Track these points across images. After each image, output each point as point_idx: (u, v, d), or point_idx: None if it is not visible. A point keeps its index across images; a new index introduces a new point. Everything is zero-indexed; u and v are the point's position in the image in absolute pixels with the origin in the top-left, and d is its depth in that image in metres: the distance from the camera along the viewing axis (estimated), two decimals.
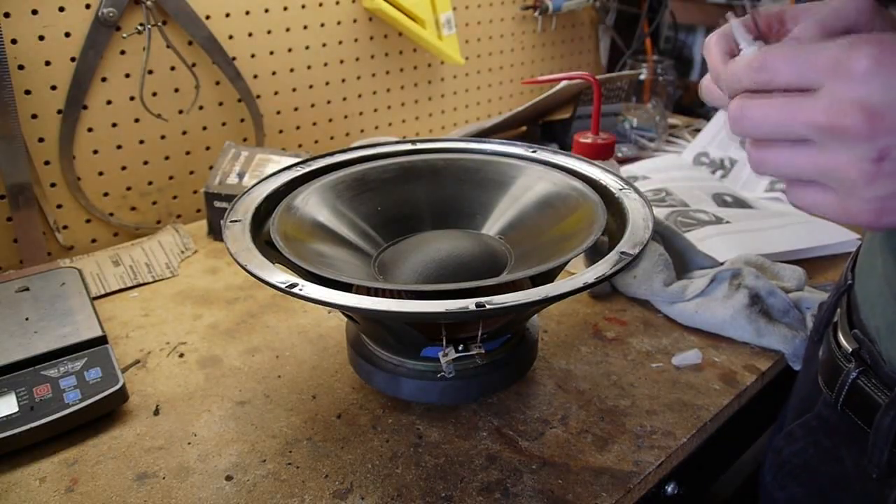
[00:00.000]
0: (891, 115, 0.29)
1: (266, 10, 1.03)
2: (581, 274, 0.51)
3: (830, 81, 0.30)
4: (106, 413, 0.61)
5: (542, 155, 0.71)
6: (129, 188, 0.98)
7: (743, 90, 0.34)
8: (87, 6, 0.87)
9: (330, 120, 1.17)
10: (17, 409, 0.58)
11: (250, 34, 1.03)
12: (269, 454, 0.58)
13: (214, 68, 1.00)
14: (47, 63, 0.86)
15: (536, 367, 0.68)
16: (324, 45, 1.12)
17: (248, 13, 1.01)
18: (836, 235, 0.89)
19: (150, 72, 0.94)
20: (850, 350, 0.50)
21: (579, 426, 0.61)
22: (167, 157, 1.00)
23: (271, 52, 1.06)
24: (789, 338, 0.70)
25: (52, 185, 0.91)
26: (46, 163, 0.90)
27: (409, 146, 0.74)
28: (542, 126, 1.18)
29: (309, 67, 1.11)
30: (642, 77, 1.42)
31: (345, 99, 1.18)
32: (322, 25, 1.10)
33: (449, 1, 1.18)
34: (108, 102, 0.93)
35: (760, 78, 0.33)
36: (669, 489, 0.63)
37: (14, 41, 0.83)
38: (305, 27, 1.09)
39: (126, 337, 0.74)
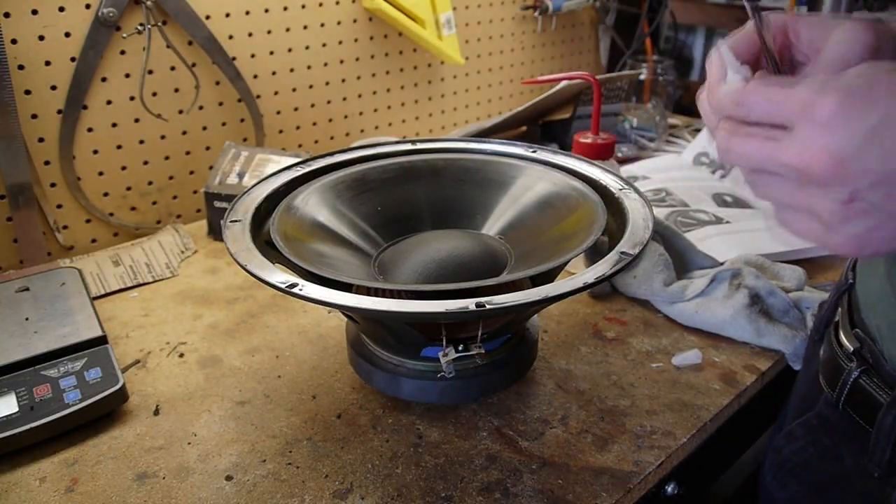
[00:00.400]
0: (857, 160, 0.30)
1: (266, 10, 1.03)
2: (581, 274, 0.51)
3: (800, 124, 0.31)
4: (106, 413, 0.61)
5: (542, 155, 0.71)
6: (129, 188, 0.98)
7: (725, 116, 0.35)
8: (87, 6, 0.87)
9: (330, 120, 1.17)
10: (17, 409, 0.58)
11: (250, 34, 1.03)
12: (269, 454, 0.58)
13: (214, 68, 1.00)
14: (47, 63, 0.86)
15: (536, 367, 0.68)
16: (324, 45, 1.12)
17: (248, 13, 1.01)
18: None
19: (150, 72, 0.94)
20: (852, 349, 0.50)
21: (579, 426, 0.61)
22: (167, 157, 1.00)
23: (271, 52, 1.06)
24: (789, 337, 0.70)
25: (52, 185, 0.91)
26: (46, 163, 0.90)
27: (409, 146, 0.74)
28: (542, 126, 1.18)
29: (309, 67, 1.11)
30: (642, 77, 1.42)
31: (345, 99, 1.18)
32: (322, 25, 1.10)
33: (449, 1, 1.18)
34: (108, 102, 0.93)
35: (739, 112, 0.34)
36: (669, 489, 0.63)
37: (14, 41, 0.83)
38: (305, 27, 1.09)
39: (126, 337, 0.74)
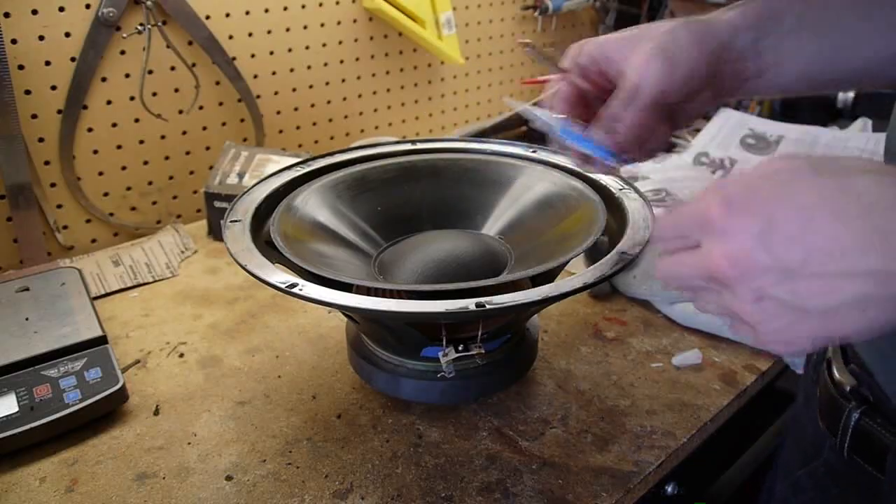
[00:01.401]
0: (751, 260, 0.32)
1: (266, 10, 1.03)
2: (581, 274, 0.51)
3: (702, 238, 0.34)
4: (106, 413, 0.61)
5: (542, 155, 0.71)
6: (129, 188, 0.98)
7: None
8: (87, 6, 0.87)
9: (330, 120, 1.17)
10: (17, 409, 0.58)
11: (250, 34, 1.03)
12: (269, 454, 0.58)
13: (214, 68, 1.00)
14: (47, 63, 0.86)
15: (536, 367, 0.68)
16: (324, 45, 1.12)
17: (248, 13, 1.01)
18: None
19: (150, 72, 0.94)
20: (849, 388, 0.46)
21: (579, 426, 0.61)
22: (167, 157, 1.00)
23: (271, 52, 1.06)
24: None
25: (52, 185, 0.91)
26: (46, 163, 0.90)
27: (409, 146, 0.74)
28: None
29: (309, 67, 1.11)
30: None
31: (345, 99, 1.18)
32: (322, 25, 1.10)
33: (449, 1, 1.18)
34: (108, 102, 0.93)
35: (661, 243, 0.38)
36: (669, 489, 0.63)
37: (14, 41, 0.83)
38: (305, 27, 1.08)
39: (126, 337, 0.74)
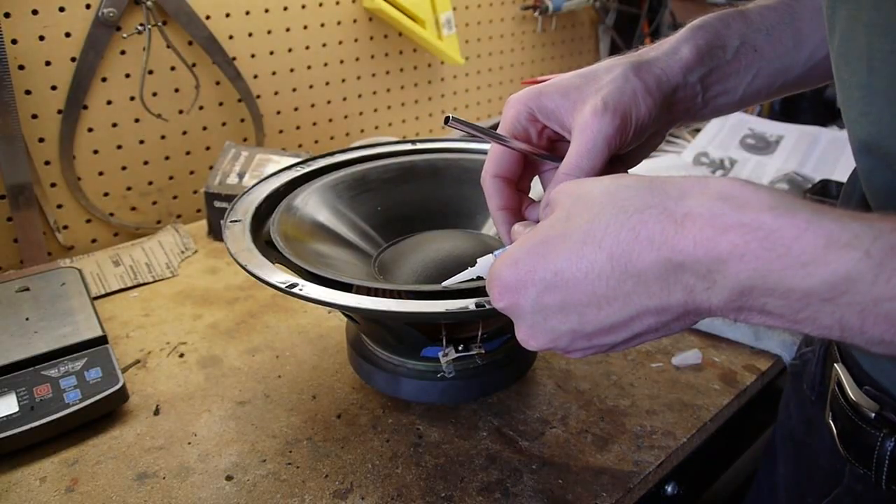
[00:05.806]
0: (537, 339, 0.38)
1: (266, 10, 1.03)
2: None
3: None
4: (106, 413, 0.61)
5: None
6: (129, 188, 0.98)
7: None
8: (88, 6, 0.87)
9: (330, 120, 1.17)
10: (17, 409, 0.58)
11: (250, 34, 1.03)
12: (269, 454, 0.58)
13: (214, 68, 1.00)
14: (47, 63, 0.86)
15: (536, 367, 0.68)
16: (324, 45, 1.12)
17: (248, 13, 1.01)
18: None
19: (150, 72, 0.95)
20: (873, 415, 0.42)
21: (579, 426, 0.61)
22: (167, 157, 1.00)
23: (271, 52, 1.06)
24: (788, 343, 0.69)
25: (53, 185, 0.91)
26: (46, 163, 0.90)
27: (409, 146, 0.74)
28: None
29: (309, 67, 1.11)
30: None
31: (345, 99, 1.18)
32: (322, 25, 1.10)
33: (449, 1, 1.18)
34: (108, 102, 0.93)
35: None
36: (669, 489, 0.63)
37: (14, 41, 0.83)
38: (305, 27, 1.09)
39: (126, 337, 0.74)
